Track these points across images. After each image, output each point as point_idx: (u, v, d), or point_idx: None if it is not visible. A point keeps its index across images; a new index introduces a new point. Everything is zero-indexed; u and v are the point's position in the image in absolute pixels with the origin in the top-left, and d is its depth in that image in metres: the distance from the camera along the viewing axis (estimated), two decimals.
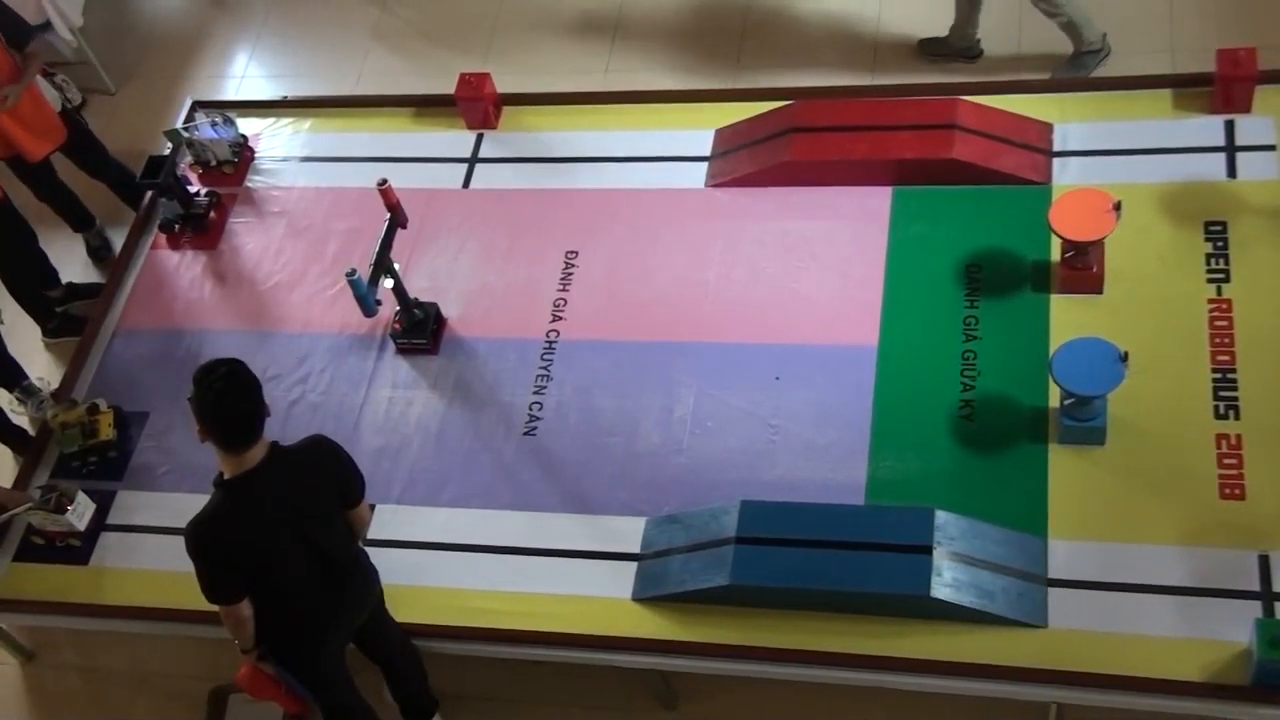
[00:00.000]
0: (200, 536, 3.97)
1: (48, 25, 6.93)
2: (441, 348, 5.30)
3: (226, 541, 3.97)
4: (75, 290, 6.52)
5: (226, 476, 3.97)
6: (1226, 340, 4.62)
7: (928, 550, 4.27)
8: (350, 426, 5.12)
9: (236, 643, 4.22)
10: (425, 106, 6.04)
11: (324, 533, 4.17)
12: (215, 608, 4.10)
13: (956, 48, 6.39)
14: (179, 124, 6.08)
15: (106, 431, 5.28)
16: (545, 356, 5.17)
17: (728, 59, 6.78)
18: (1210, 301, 4.72)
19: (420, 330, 5.26)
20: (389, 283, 5.05)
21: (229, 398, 3.87)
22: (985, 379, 4.74)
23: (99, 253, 6.77)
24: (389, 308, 5.22)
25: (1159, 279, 4.81)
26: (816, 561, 4.36)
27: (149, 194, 6.02)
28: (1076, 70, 6.08)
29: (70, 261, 6.67)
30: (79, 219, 6.68)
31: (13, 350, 5.93)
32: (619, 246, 5.40)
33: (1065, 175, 5.11)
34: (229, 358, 3.98)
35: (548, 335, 5.22)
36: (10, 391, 5.92)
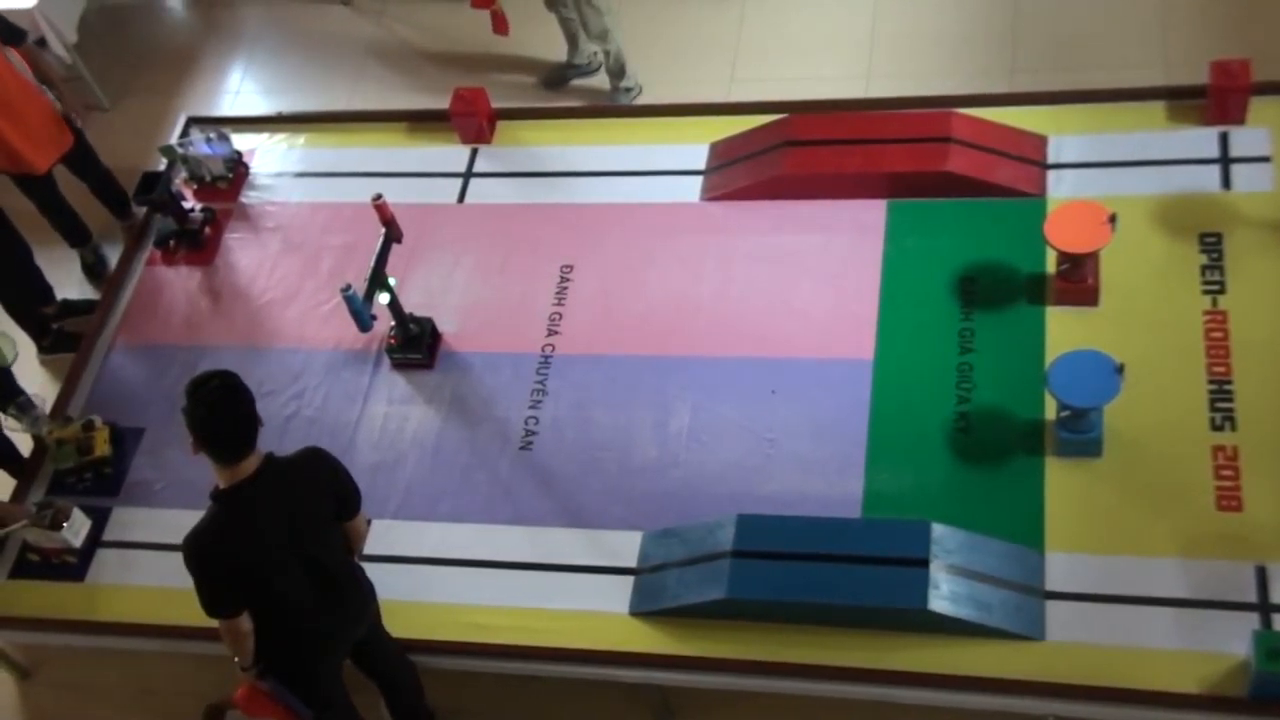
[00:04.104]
0: (197, 549, 3.96)
1: (42, 42, 6.93)
2: (437, 363, 5.29)
3: (223, 553, 3.95)
4: (70, 307, 6.51)
5: (221, 488, 3.96)
6: (1222, 352, 4.62)
7: (924, 563, 4.27)
8: (346, 442, 5.11)
9: (236, 660, 4.20)
10: (420, 121, 6.04)
11: (320, 544, 4.15)
12: (214, 623, 4.08)
13: (580, 67, 6.95)
14: (174, 140, 6.09)
15: (102, 448, 5.27)
16: (541, 371, 5.17)
17: (722, 72, 6.79)
18: (1206, 313, 4.72)
19: (416, 345, 5.26)
20: (384, 298, 5.05)
21: (220, 410, 3.86)
22: (981, 392, 4.74)
23: (94, 269, 6.76)
24: (384, 323, 5.22)
25: (1154, 291, 4.81)
26: (813, 575, 4.36)
27: (144, 209, 6.02)
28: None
29: (65, 278, 6.66)
30: (76, 234, 6.68)
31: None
32: (614, 261, 5.40)
33: (1060, 188, 5.12)
34: (221, 370, 3.96)
35: (543, 350, 5.22)
36: (4, 410, 5.90)
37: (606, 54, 6.67)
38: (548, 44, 7.00)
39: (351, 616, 4.34)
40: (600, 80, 6.90)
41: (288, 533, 4.02)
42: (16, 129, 5.82)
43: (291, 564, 4.07)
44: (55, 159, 6.14)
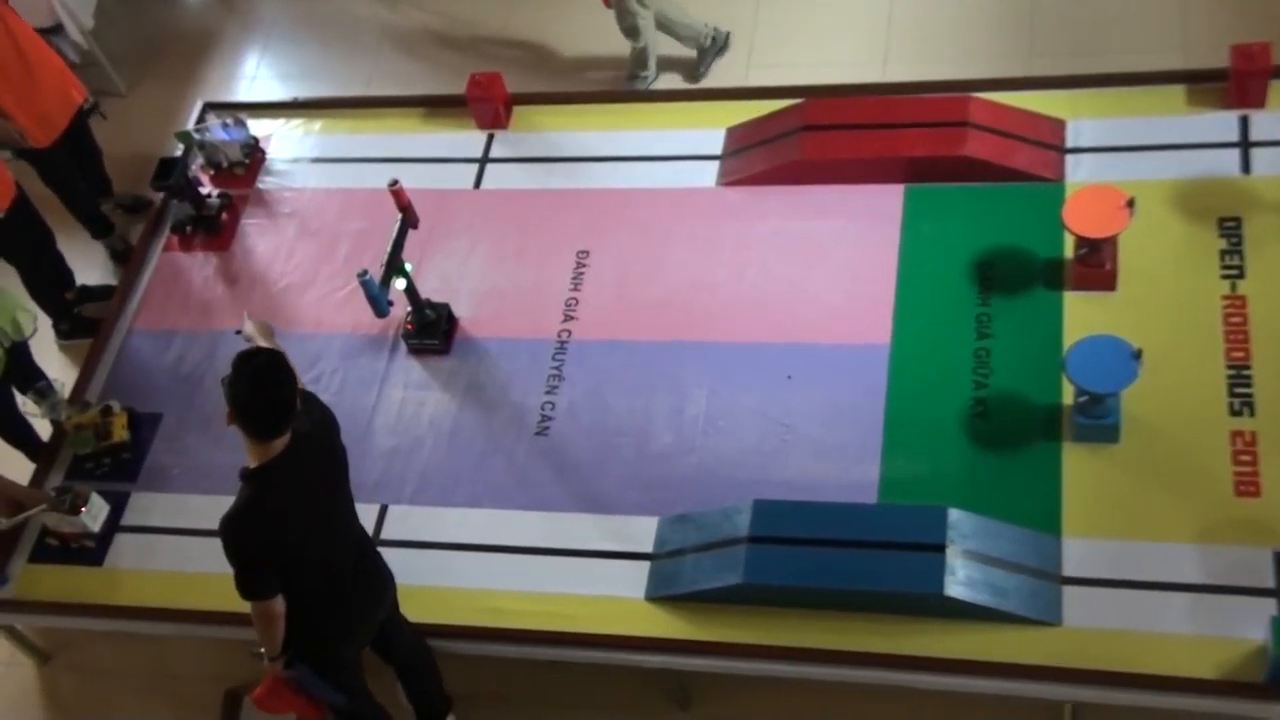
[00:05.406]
0: (234, 532, 3.91)
1: (59, 28, 6.94)
2: (453, 348, 5.30)
3: (259, 533, 3.92)
4: (89, 292, 6.52)
5: (252, 466, 3.93)
6: (1241, 337, 4.60)
7: (941, 549, 4.27)
8: (363, 427, 5.12)
9: (262, 650, 4.15)
10: (436, 107, 6.04)
11: (344, 514, 4.18)
12: (232, 607, 4.06)
13: (707, 51, 6.68)
14: (190, 125, 6.10)
15: (120, 433, 5.29)
16: (557, 356, 5.17)
17: (739, 57, 6.77)
18: (1225, 298, 4.70)
19: (432, 331, 5.27)
20: (401, 283, 5.05)
21: (262, 388, 3.84)
22: (998, 377, 4.73)
23: (123, 256, 6.74)
24: (401, 308, 5.23)
25: (1173, 276, 4.79)
26: (829, 560, 4.36)
27: (161, 196, 6.03)
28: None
29: (84, 263, 6.68)
30: (98, 226, 6.68)
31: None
32: (630, 246, 5.39)
33: (1078, 172, 5.10)
34: (269, 347, 3.96)
35: (559, 335, 5.22)
36: (24, 395, 5.93)
37: (633, 49, 6.62)
38: (565, 30, 7.01)
39: (376, 596, 4.35)
40: (618, 67, 6.88)
41: (316, 507, 4.03)
42: (10, 94, 5.82)
43: (323, 536, 4.06)
44: (59, 126, 6.12)
